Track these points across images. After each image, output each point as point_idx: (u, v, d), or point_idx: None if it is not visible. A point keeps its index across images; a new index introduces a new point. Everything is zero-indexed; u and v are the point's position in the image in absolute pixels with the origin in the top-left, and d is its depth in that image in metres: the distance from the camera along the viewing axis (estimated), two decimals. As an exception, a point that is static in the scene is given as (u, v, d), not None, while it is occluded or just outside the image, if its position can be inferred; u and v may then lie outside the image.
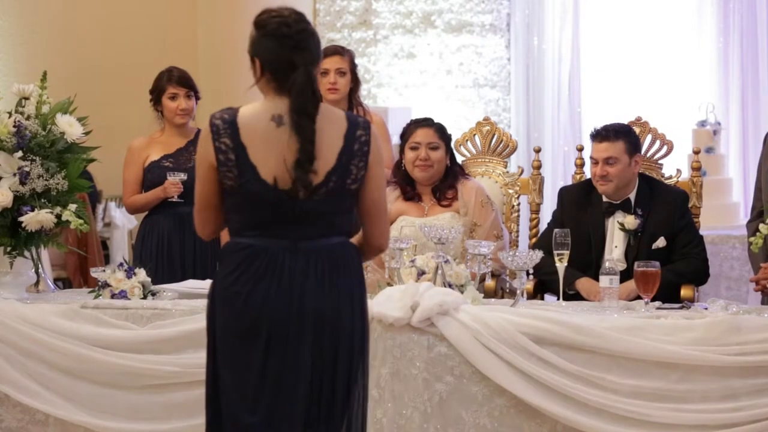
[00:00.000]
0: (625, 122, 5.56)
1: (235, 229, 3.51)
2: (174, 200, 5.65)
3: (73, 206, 4.89)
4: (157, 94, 5.82)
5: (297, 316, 3.46)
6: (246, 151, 3.43)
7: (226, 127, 3.45)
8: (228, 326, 3.49)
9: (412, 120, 5.58)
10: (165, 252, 5.75)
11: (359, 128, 3.51)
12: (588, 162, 5.40)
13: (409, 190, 5.47)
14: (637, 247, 5.19)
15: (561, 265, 4.80)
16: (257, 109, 3.49)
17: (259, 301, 3.44)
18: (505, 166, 5.94)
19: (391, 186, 5.53)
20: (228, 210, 3.52)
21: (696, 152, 5.92)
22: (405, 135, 5.48)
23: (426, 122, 5.48)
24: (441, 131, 5.45)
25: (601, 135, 5.24)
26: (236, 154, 3.43)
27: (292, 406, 3.48)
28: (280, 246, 3.46)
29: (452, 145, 5.54)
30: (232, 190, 3.46)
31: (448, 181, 5.44)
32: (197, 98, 5.86)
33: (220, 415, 3.54)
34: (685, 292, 5.10)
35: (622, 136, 5.23)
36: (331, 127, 3.48)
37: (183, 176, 5.60)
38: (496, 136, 5.95)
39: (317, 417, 3.51)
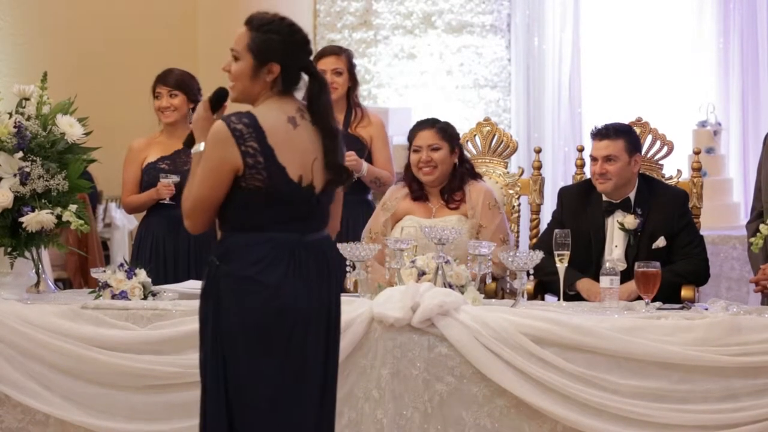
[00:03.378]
0: (626, 122, 5.57)
1: (254, 223, 3.61)
2: (166, 202, 5.64)
3: (73, 207, 4.89)
4: (152, 94, 5.85)
5: (317, 311, 3.63)
6: (274, 152, 3.57)
7: (251, 131, 3.58)
8: (247, 319, 3.57)
9: (415, 122, 5.56)
10: (160, 254, 5.75)
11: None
12: (588, 162, 5.40)
13: (416, 188, 5.44)
14: (637, 246, 5.19)
15: (561, 266, 4.80)
16: (271, 112, 3.63)
17: (288, 293, 3.58)
18: (506, 167, 5.93)
19: (400, 184, 5.52)
20: (244, 208, 3.61)
21: (696, 153, 5.92)
22: (409, 138, 5.46)
23: (427, 123, 5.43)
24: (443, 131, 5.39)
25: (601, 133, 5.25)
26: (265, 157, 3.57)
27: (309, 400, 3.63)
28: (293, 238, 3.62)
29: (459, 143, 5.49)
30: (256, 191, 3.58)
31: (455, 183, 5.39)
32: (194, 100, 5.85)
33: (230, 414, 3.60)
34: (685, 292, 5.10)
35: (623, 134, 5.24)
36: None
37: (176, 178, 5.59)
38: (496, 137, 5.95)
39: (328, 407, 3.70)
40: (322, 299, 3.65)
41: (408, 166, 5.47)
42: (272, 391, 3.58)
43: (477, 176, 5.50)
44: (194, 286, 4.99)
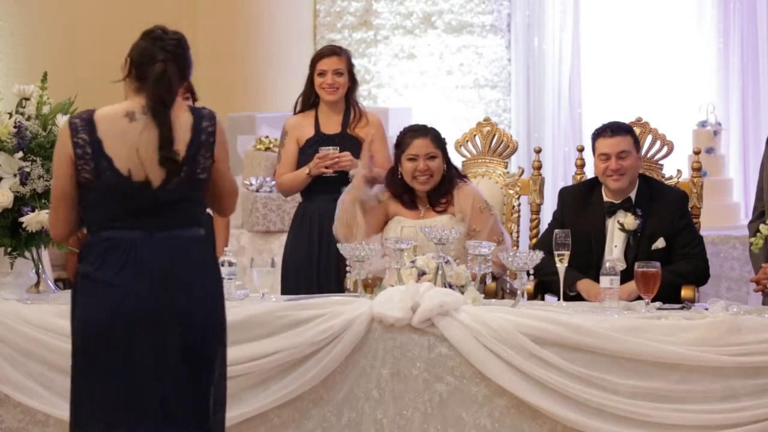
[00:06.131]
0: (626, 123, 5.57)
1: (94, 224, 3.71)
2: None
3: (73, 207, 4.88)
4: None
5: (159, 311, 3.63)
6: (101, 144, 3.66)
7: (84, 124, 3.69)
8: (90, 318, 3.64)
9: (406, 129, 5.47)
10: None
11: (204, 120, 3.75)
12: (588, 162, 5.40)
13: (407, 199, 5.40)
14: (636, 247, 5.19)
15: (561, 266, 4.80)
16: (113, 108, 3.74)
17: (120, 291, 3.61)
18: (506, 167, 5.93)
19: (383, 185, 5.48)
20: (86, 207, 3.71)
21: (696, 153, 5.92)
22: (400, 145, 5.38)
23: (421, 131, 5.38)
24: (437, 139, 5.36)
25: (611, 130, 5.23)
26: (92, 148, 3.66)
27: (147, 403, 3.63)
28: (138, 237, 3.66)
29: (446, 148, 5.46)
30: (89, 184, 3.67)
31: (444, 187, 5.36)
32: (194, 99, 5.84)
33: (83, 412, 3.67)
34: (685, 292, 5.10)
35: (629, 132, 5.29)
36: (179, 120, 3.72)
37: None
38: (496, 137, 5.95)
39: (173, 415, 3.65)
40: (172, 300, 3.65)
41: (394, 172, 5.43)
42: (108, 390, 3.63)
43: (463, 177, 5.49)
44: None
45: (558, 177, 9.39)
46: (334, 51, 5.83)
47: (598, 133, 5.27)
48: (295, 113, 5.91)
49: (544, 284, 5.27)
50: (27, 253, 4.92)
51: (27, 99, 4.99)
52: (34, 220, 4.79)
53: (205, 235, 3.79)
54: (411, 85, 9.98)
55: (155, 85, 3.69)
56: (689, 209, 5.41)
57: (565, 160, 9.53)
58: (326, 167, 5.65)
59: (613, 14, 9.64)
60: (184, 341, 3.67)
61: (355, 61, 5.95)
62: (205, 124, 3.75)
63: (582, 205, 5.33)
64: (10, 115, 4.92)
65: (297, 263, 5.78)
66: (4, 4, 9.38)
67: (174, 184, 3.69)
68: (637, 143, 5.31)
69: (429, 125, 5.48)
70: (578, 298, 5.11)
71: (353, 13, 10.03)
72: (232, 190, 3.88)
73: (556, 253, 4.80)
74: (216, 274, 3.82)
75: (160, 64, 3.70)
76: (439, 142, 5.37)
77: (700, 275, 5.24)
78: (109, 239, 3.67)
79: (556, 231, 4.85)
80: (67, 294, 5.18)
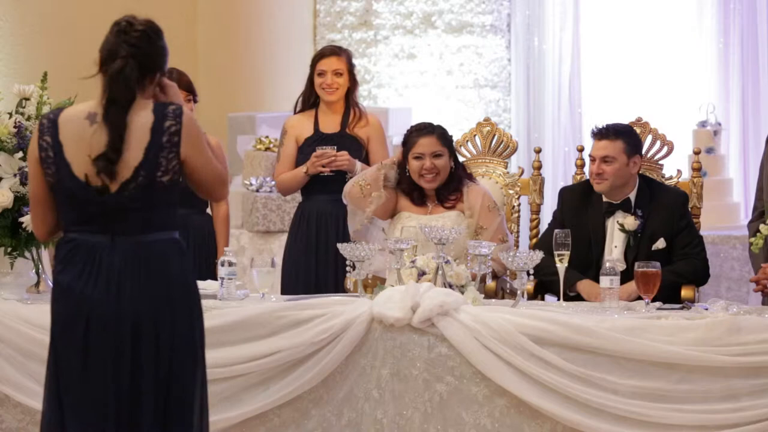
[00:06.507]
0: (626, 123, 5.57)
1: (64, 224, 3.65)
2: None
3: (73, 207, 4.88)
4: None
5: (115, 315, 3.54)
6: (62, 148, 3.57)
7: (50, 125, 3.60)
8: (55, 317, 3.62)
9: (413, 127, 5.48)
10: None
11: (168, 119, 3.56)
12: (588, 162, 5.40)
13: (417, 197, 5.42)
14: (636, 248, 5.19)
15: (561, 266, 4.80)
16: (78, 108, 3.64)
17: (77, 294, 3.55)
18: (506, 167, 5.93)
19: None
20: (57, 208, 3.64)
21: (696, 153, 5.91)
22: (407, 144, 5.39)
23: (427, 130, 5.39)
24: (443, 137, 5.37)
25: (600, 133, 5.25)
26: (54, 152, 3.57)
27: (106, 406, 3.55)
28: (100, 241, 3.56)
29: (453, 145, 5.50)
30: (54, 187, 3.60)
31: (452, 185, 5.39)
32: (195, 101, 5.83)
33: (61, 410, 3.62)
34: (685, 292, 5.10)
35: (622, 136, 5.23)
36: (138, 122, 3.55)
37: None
38: (496, 137, 5.94)
39: (141, 422, 3.55)
40: (132, 304, 3.54)
41: (402, 169, 5.43)
42: (71, 389, 3.58)
43: (471, 177, 5.52)
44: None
45: (558, 177, 9.39)
46: (334, 51, 5.83)
47: (592, 134, 5.29)
48: (295, 113, 5.92)
49: (544, 284, 5.27)
50: (27, 253, 4.92)
51: (27, 99, 4.99)
52: (34, 220, 4.79)
53: (182, 239, 3.65)
54: (411, 85, 9.97)
55: (111, 84, 3.57)
56: (689, 209, 5.41)
57: (565, 160, 9.53)
58: (323, 166, 5.66)
59: (613, 14, 9.63)
60: (148, 347, 3.55)
61: (355, 61, 5.95)
62: (168, 123, 3.55)
63: (582, 205, 5.33)
64: (10, 115, 4.92)
65: (296, 263, 5.78)
66: (4, 4, 9.37)
67: (132, 190, 3.53)
68: (632, 147, 5.24)
69: (435, 123, 5.48)
70: (578, 298, 5.11)
71: (353, 13, 10.03)
72: (218, 179, 3.66)
73: (556, 253, 4.81)
74: (188, 278, 3.65)
75: (119, 61, 3.57)
76: (445, 140, 5.38)
77: (700, 275, 5.24)
78: (73, 241, 3.59)
79: (556, 231, 4.85)
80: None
